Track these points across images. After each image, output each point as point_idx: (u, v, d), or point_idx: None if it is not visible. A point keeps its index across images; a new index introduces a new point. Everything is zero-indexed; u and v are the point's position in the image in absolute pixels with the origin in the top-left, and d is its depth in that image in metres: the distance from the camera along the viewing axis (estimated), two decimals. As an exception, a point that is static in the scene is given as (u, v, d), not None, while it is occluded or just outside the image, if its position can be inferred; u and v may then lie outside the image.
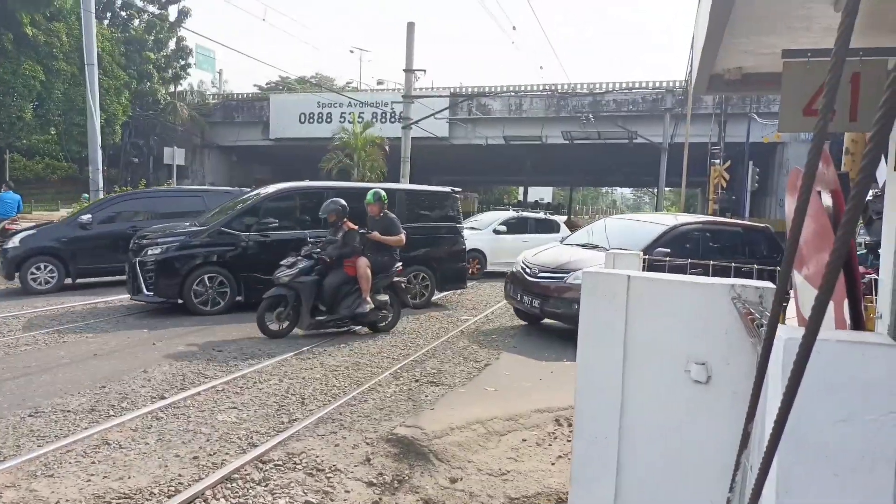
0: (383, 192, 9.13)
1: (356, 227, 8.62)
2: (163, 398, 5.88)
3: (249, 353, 7.62)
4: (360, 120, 32.28)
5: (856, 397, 1.53)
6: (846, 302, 1.80)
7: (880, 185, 3.59)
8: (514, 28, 22.80)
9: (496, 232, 16.08)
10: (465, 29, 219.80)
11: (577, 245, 9.61)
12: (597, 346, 3.20)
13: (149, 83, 33.16)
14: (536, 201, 69.21)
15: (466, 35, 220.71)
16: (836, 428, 1.54)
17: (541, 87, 33.13)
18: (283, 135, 37.84)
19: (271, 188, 10.54)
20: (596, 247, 9.10)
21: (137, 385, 6.26)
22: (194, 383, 6.39)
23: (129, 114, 30.78)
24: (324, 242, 8.55)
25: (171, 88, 36.95)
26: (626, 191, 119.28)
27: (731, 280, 3.06)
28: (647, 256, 6.23)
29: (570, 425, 5.53)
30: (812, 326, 0.96)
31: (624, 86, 32.77)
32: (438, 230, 11.11)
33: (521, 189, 67.76)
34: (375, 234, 8.73)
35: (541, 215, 17.17)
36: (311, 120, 37.30)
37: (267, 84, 51.98)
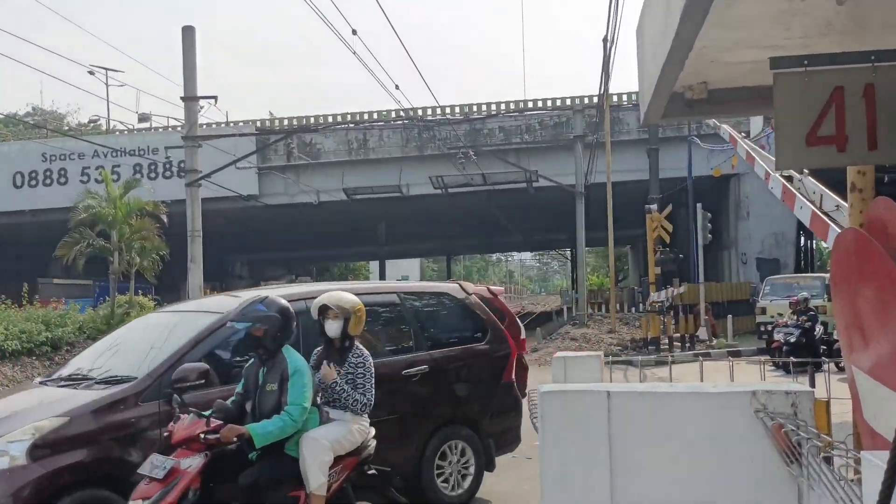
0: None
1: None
2: None
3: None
4: (115, 177, 31.38)
5: None
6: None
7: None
8: (354, 33, 23.27)
9: None
10: (277, 38, 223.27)
11: (63, 379, 7.95)
12: (572, 502, 3.22)
13: None
14: (398, 280, 70.19)
15: (281, 46, 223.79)
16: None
17: (395, 115, 34.10)
18: (-13, 208, 35.95)
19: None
20: (83, 378, 7.63)
21: None
22: None
23: None
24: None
25: None
26: (527, 256, 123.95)
27: (751, 385, 3.23)
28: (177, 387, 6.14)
29: None
30: None
31: (512, 107, 34.52)
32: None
33: (374, 265, 68.45)
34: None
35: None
36: (35, 181, 35.81)
37: (-45, 129, 49.54)
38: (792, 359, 14.54)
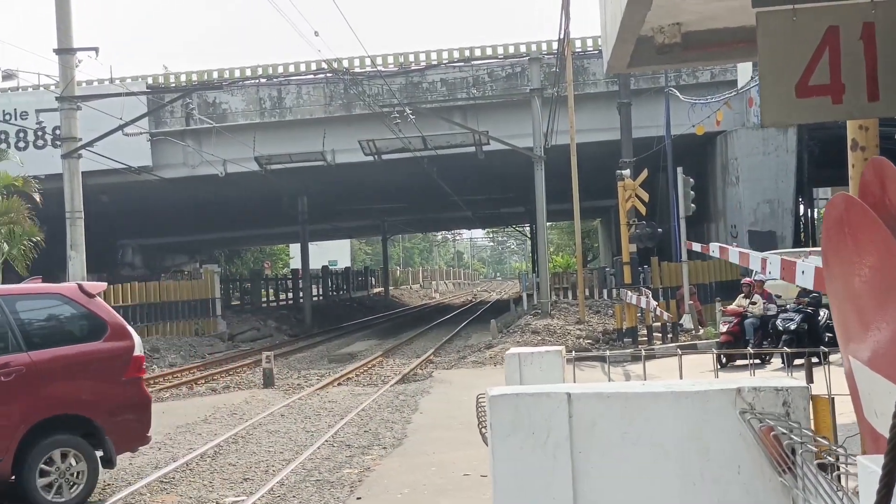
0: None
1: None
2: None
3: None
4: (-26, 148, 30.95)
5: None
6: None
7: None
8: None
9: None
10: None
11: None
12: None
13: None
14: (325, 267, 69.87)
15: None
16: None
17: (315, 67, 33.83)
18: None
19: None
20: None
21: None
22: None
23: None
24: None
25: None
26: (479, 234, 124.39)
27: (737, 381, 3.28)
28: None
29: None
30: (892, 448, 1.07)
31: (457, 56, 34.45)
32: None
33: (295, 248, 68.14)
34: None
35: None
36: None
37: None
38: (785, 349, 14.70)
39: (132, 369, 10.86)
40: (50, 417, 10.09)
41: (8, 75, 47.10)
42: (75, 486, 10.07)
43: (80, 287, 11.11)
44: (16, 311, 10.40)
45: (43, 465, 9.85)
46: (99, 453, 10.39)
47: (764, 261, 11.44)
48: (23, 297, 10.91)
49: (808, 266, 8.91)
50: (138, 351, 11.07)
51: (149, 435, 11.20)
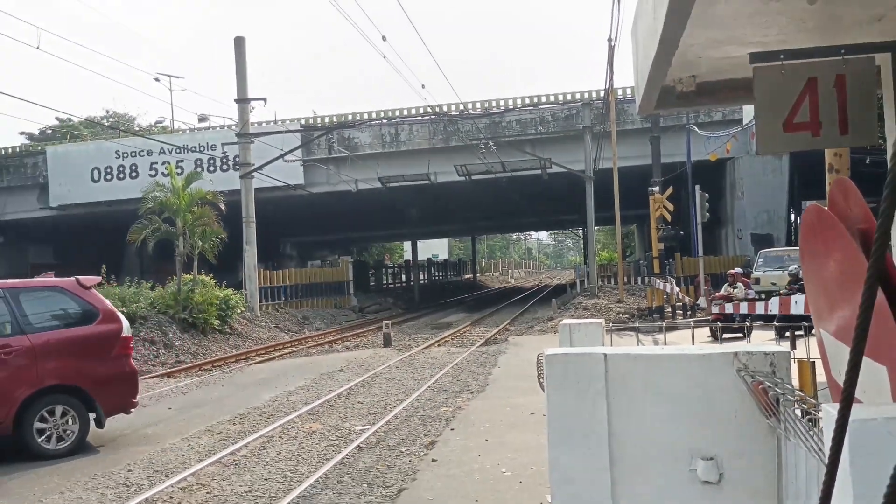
0: None
1: None
2: None
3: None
4: (179, 171, 31.70)
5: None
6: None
7: None
8: (384, 39, 23.51)
9: None
10: (317, 43, 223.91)
11: None
12: (575, 451, 3.24)
13: None
14: (429, 259, 70.26)
15: (320, 52, 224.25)
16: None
17: (423, 111, 34.03)
18: (69, 200, 36.42)
19: None
20: None
21: None
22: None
23: None
24: None
25: None
26: (544, 235, 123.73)
27: (733, 346, 3.22)
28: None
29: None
30: (846, 397, 1.06)
31: (528, 101, 34.33)
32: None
33: (407, 245, 68.44)
34: None
35: None
36: (109, 176, 36.26)
37: (41, 131, 50.00)
38: (776, 323, 14.48)
39: (120, 347, 10.37)
40: (45, 387, 9.75)
41: (202, 118, 48.61)
42: (64, 440, 9.74)
43: (78, 281, 10.56)
44: (19, 301, 9.98)
45: (38, 423, 9.57)
46: (92, 416, 10.06)
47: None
48: (26, 290, 10.44)
49: (799, 298, 9.05)
50: (126, 332, 10.54)
51: (135, 401, 10.65)
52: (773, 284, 20.24)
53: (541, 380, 3.50)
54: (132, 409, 10.70)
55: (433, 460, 8.56)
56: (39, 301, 10.39)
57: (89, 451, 9.92)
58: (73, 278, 10.62)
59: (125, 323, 10.56)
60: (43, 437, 9.60)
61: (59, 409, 9.77)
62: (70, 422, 9.83)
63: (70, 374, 9.94)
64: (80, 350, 10.15)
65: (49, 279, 11.18)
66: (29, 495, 8.08)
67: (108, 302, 10.89)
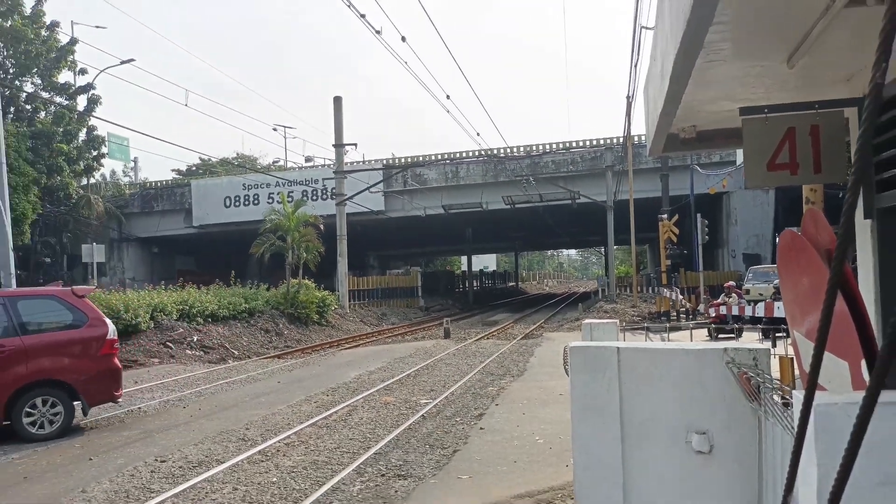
0: None
1: None
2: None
3: (196, 461, 7.31)
4: (289, 199, 32.37)
5: (891, 457, 1.57)
6: (864, 360, 1.87)
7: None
8: (448, 97, 23.92)
9: None
10: (395, 100, 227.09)
11: None
12: (593, 424, 3.20)
13: (59, 177, 32.28)
14: (481, 270, 70.06)
15: (398, 105, 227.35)
16: (876, 491, 1.57)
17: (477, 153, 34.07)
18: (207, 221, 37.40)
19: None
20: None
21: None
22: (139, 500, 6.03)
23: (38, 211, 29.75)
24: None
25: (84, 181, 36.16)
26: (573, 252, 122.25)
27: (723, 343, 3.15)
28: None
29: (557, 511, 5.45)
30: (810, 385, 1.03)
31: (561, 146, 34.10)
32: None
33: (463, 258, 68.35)
34: None
35: None
36: (238, 203, 37.09)
37: (187, 168, 51.69)
38: (761, 326, 14.10)
39: (105, 348, 9.60)
40: (35, 381, 9.09)
41: (308, 159, 49.69)
42: (51, 425, 9.08)
43: (73, 290, 9.82)
44: (16, 307, 9.31)
45: (28, 409, 8.98)
46: (78, 405, 9.33)
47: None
48: (24, 298, 9.70)
49: (781, 304, 8.77)
50: (111, 335, 9.72)
51: (117, 394, 9.87)
52: (761, 294, 19.66)
53: (566, 367, 3.46)
54: (119, 400, 10.11)
55: (481, 428, 8.52)
56: (36, 308, 9.68)
57: (76, 432, 9.42)
58: (69, 288, 10.00)
59: (111, 327, 9.83)
60: (30, 422, 9.01)
61: (47, 400, 9.18)
62: (57, 410, 9.21)
63: (57, 370, 9.30)
64: (68, 350, 9.50)
65: (46, 289, 10.51)
66: (170, 446, 8.28)
67: (98, 309, 10.15)
